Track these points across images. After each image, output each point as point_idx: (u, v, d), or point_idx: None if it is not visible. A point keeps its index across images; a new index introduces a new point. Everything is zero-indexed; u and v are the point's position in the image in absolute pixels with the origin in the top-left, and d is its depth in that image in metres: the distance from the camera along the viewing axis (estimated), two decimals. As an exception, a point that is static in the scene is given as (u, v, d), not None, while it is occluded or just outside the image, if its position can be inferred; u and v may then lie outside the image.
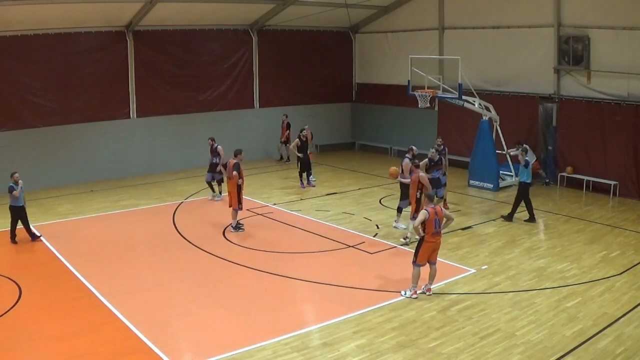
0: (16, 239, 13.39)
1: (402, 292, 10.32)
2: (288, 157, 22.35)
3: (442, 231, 10.36)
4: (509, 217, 14.80)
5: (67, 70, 18.91)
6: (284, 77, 23.93)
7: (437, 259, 10.52)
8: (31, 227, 13.59)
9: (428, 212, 9.99)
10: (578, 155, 18.10)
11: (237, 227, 14.16)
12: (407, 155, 14.15)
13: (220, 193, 17.11)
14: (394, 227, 14.14)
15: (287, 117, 22.40)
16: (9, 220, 13.28)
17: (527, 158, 14.63)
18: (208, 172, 17.15)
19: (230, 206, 14.20)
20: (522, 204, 14.65)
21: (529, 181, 14.55)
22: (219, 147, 16.97)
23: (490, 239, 13.49)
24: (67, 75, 18.94)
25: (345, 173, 21.07)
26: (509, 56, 19.70)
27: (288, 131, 22.05)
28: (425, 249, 10.12)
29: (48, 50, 18.47)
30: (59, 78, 18.81)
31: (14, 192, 13.05)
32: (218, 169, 16.83)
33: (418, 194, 12.47)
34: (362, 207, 16.30)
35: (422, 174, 12.67)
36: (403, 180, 13.66)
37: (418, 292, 10.32)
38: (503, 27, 19.76)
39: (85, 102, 19.40)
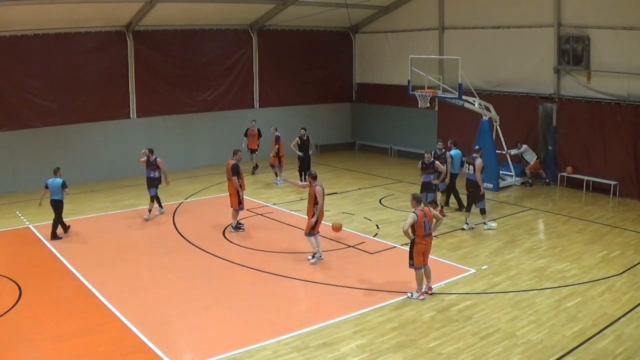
0: (69, 229, 14.03)
1: (409, 294, 10.32)
2: (256, 165, 20.77)
3: (433, 233, 10.39)
4: (467, 209, 15.09)
5: (67, 70, 18.93)
6: (284, 77, 23.94)
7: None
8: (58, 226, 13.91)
9: (416, 215, 9.98)
10: (578, 155, 18.10)
11: (237, 227, 14.15)
12: (474, 154, 14.44)
13: (160, 207, 15.70)
14: (488, 228, 14.12)
15: (256, 122, 20.68)
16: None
17: (452, 152, 15.54)
18: (150, 187, 15.35)
19: (231, 206, 14.20)
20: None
21: (456, 172, 15.59)
22: (158, 159, 15.31)
23: (490, 239, 13.49)
24: (67, 75, 18.96)
25: (345, 173, 21.07)
26: (509, 56, 19.71)
27: (260, 138, 20.49)
28: (417, 251, 10.13)
29: (48, 50, 18.49)
30: (59, 78, 18.83)
31: (66, 188, 13.65)
32: (159, 182, 15.32)
33: (315, 209, 11.73)
34: (362, 207, 16.30)
35: (318, 187, 11.70)
36: (477, 179, 14.08)
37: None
38: (503, 27, 19.76)
39: (85, 102, 19.42)
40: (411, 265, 10.21)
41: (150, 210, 15.37)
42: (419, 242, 10.08)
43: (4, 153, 17.94)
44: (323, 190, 11.77)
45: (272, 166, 19.61)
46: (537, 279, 11.05)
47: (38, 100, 18.59)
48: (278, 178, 19.23)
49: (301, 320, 9.60)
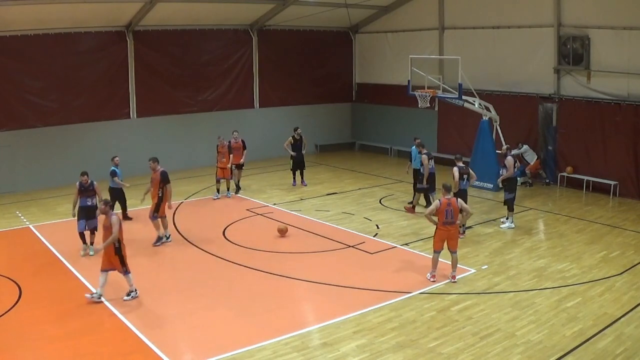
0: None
1: (427, 275, 10.98)
2: (237, 185, 17.92)
3: (460, 223, 11.19)
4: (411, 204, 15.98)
5: (67, 70, 18.92)
6: (284, 77, 23.94)
7: (439, 258, 10.80)
8: (127, 210, 15.02)
9: (440, 202, 10.73)
10: (578, 155, 18.10)
11: (159, 239, 13.20)
12: (509, 153, 14.72)
13: (91, 244, 12.60)
14: (503, 227, 14.32)
15: (239, 133, 17.70)
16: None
17: (425, 153, 15.65)
18: (78, 220, 12.38)
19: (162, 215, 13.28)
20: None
21: (419, 167, 15.81)
22: (95, 183, 12.49)
23: (490, 239, 13.49)
24: (67, 75, 18.94)
25: (345, 173, 21.08)
26: (509, 56, 19.70)
27: (245, 151, 17.57)
28: (438, 236, 10.84)
29: (48, 50, 18.48)
30: (59, 78, 18.82)
31: (116, 177, 14.37)
32: (98, 213, 12.00)
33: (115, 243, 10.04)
34: (362, 207, 16.31)
35: (114, 217, 9.99)
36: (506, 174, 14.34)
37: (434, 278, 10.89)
38: (503, 27, 19.76)
39: (85, 102, 19.41)
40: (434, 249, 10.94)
41: (92, 243, 12.57)
42: (440, 227, 10.78)
43: (4, 153, 17.93)
44: (120, 220, 10.13)
45: (219, 180, 17.24)
46: (537, 279, 11.05)
47: (38, 100, 18.58)
48: (229, 191, 17.54)
49: (301, 320, 9.61)
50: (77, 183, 12.39)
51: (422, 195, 15.72)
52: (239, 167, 17.71)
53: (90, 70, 19.42)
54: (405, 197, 17.19)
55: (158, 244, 13.11)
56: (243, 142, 17.59)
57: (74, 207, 12.39)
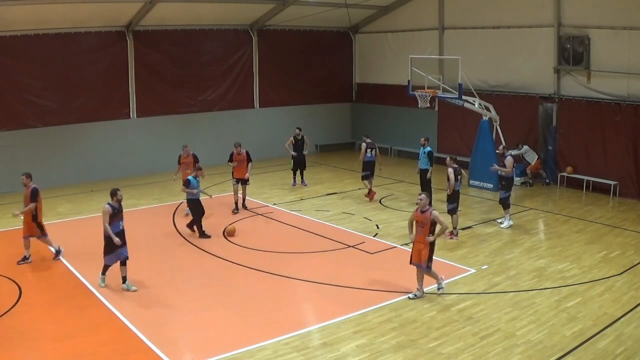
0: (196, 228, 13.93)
1: (439, 290, 10.29)
2: (243, 202, 16.11)
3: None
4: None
5: (67, 70, 18.92)
6: (284, 77, 23.95)
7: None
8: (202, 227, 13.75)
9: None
10: (578, 155, 18.10)
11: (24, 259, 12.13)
12: (507, 153, 14.76)
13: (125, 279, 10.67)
14: (504, 226, 14.27)
15: (241, 145, 15.81)
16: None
17: (429, 149, 15.99)
18: (108, 253, 10.40)
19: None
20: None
21: (424, 167, 15.93)
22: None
23: (490, 239, 13.49)
24: (67, 75, 18.95)
25: (345, 173, 21.07)
26: (509, 56, 19.71)
27: (250, 164, 15.69)
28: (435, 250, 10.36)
29: (48, 50, 18.48)
30: (59, 78, 18.83)
31: (190, 188, 13.48)
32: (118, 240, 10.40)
33: None
34: (362, 207, 16.31)
35: None
36: (503, 171, 14.39)
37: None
38: (503, 27, 19.76)
39: (85, 102, 19.42)
40: (429, 266, 10.07)
41: (125, 278, 10.63)
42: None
43: (4, 153, 17.93)
44: None
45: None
46: (537, 279, 11.05)
47: (38, 100, 18.58)
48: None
49: (301, 320, 9.61)
50: (107, 206, 10.14)
51: (368, 181, 16.90)
52: (244, 182, 15.70)
53: (90, 70, 19.42)
54: (405, 197, 17.21)
55: (22, 262, 12.00)
56: (247, 153, 15.63)
57: (111, 238, 10.21)
